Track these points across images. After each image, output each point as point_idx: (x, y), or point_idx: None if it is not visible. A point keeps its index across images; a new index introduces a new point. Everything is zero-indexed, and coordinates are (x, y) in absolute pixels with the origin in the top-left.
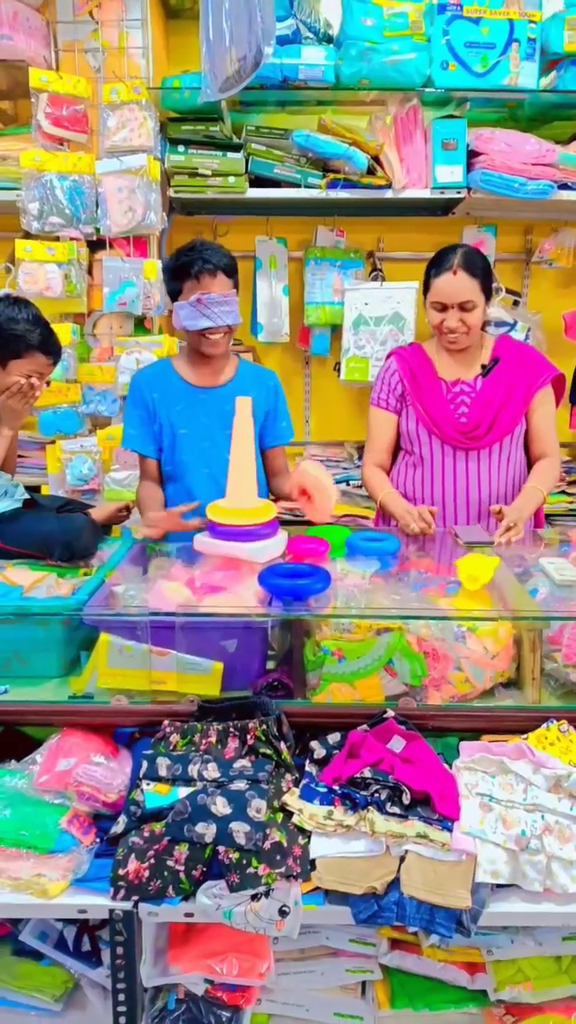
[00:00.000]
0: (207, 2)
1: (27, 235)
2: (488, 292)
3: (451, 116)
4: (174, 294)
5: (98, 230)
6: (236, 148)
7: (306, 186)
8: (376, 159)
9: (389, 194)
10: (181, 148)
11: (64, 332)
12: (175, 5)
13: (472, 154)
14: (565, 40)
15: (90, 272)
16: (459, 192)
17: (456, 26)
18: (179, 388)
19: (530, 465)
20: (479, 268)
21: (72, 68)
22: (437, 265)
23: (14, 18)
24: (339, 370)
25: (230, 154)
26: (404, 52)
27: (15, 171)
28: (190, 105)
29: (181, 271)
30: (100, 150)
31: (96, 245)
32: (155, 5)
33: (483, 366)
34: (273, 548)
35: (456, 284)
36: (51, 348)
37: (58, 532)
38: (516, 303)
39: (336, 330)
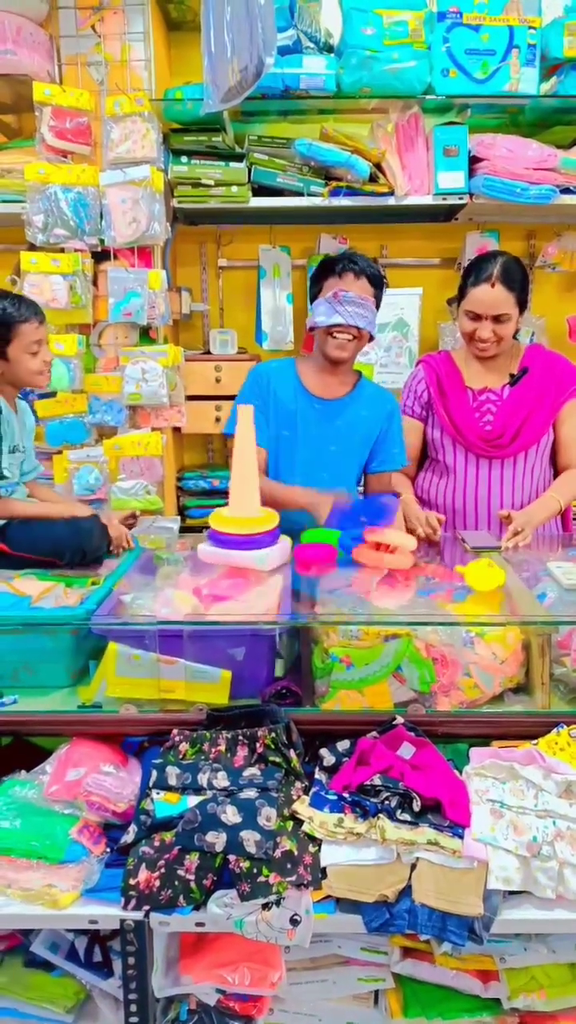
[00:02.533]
0: (208, 14)
1: (32, 247)
2: (523, 303)
3: (452, 123)
4: (314, 296)
5: (103, 241)
6: (239, 158)
7: (309, 194)
8: (378, 166)
9: (391, 201)
10: (184, 159)
11: (70, 343)
12: (176, 17)
13: (474, 160)
14: (565, 45)
15: (95, 283)
16: (461, 198)
17: (456, 33)
18: (297, 390)
19: (557, 477)
20: (516, 280)
21: (75, 81)
22: (475, 274)
23: (17, 33)
24: None
25: (233, 164)
26: (404, 60)
27: (20, 184)
28: (192, 116)
29: (326, 268)
30: (104, 162)
31: (101, 256)
32: (157, 18)
33: (512, 375)
34: (277, 556)
35: (493, 296)
36: (29, 313)
37: (68, 536)
38: None
39: None
